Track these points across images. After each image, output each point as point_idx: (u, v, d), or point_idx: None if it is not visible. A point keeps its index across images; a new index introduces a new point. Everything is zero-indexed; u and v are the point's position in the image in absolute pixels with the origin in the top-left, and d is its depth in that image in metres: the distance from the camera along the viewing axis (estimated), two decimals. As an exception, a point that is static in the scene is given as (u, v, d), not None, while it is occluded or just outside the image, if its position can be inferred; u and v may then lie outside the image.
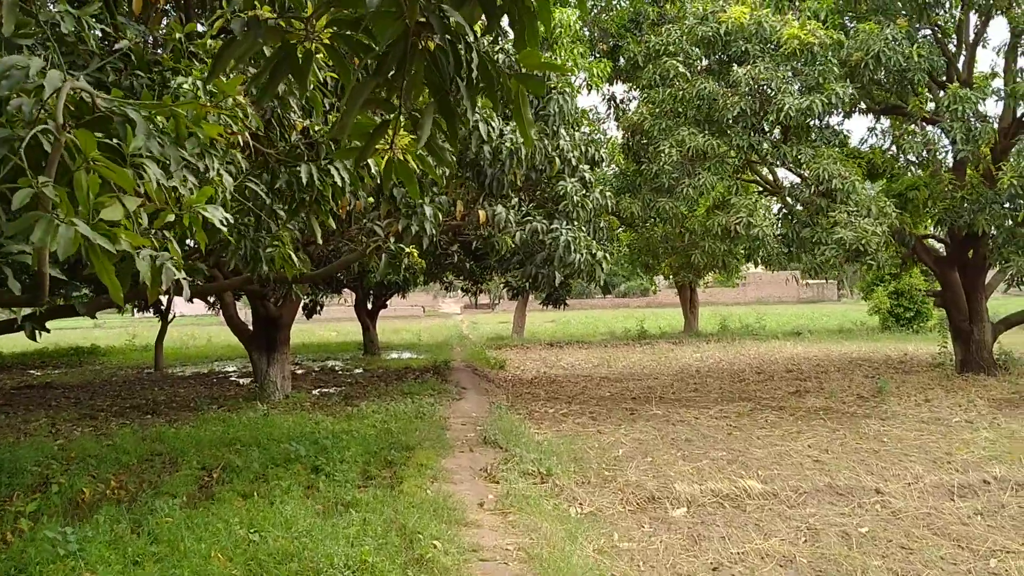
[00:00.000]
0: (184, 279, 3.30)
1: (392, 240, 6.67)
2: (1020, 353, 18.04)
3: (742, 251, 14.47)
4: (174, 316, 22.96)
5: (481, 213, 7.23)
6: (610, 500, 7.95)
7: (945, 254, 17.47)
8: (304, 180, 4.88)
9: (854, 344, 25.99)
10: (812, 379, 17.30)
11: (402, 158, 2.79)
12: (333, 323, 50.17)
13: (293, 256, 5.51)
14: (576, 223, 7.99)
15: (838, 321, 36.43)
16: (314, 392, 15.90)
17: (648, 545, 6.68)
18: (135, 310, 24.51)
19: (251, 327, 14.63)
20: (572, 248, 7.63)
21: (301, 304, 22.09)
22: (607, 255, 8.39)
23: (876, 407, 13.38)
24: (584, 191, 8.23)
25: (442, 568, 4.89)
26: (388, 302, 26.68)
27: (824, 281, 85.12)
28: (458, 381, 16.32)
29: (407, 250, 6.63)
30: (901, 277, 29.22)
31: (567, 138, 8.33)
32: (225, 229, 3.82)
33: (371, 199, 6.56)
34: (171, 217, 3.73)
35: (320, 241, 5.82)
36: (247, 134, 4.71)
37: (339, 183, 4.89)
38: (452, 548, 5.27)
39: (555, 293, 17.94)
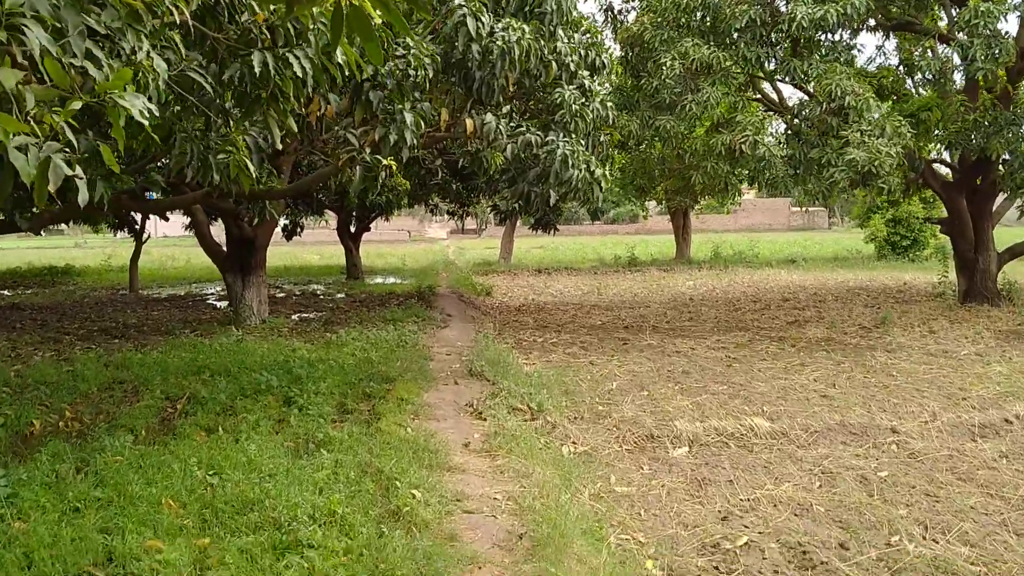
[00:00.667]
0: (78, 177, 2.53)
1: (368, 151, 5.87)
2: (1026, 284, 17.52)
3: (745, 173, 13.72)
4: (148, 236, 22.09)
5: (468, 122, 6.42)
6: (605, 438, 7.36)
7: (952, 180, 16.76)
8: (257, 71, 4.07)
9: (850, 272, 25.44)
10: (810, 308, 16.73)
11: (355, 2, 2.02)
12: (316, 246, 49.30)
13: (250, 164, 4.72)
14: (574, 136, 7.20)
15: (832, 249, 35.90)
16: (293, 317, 15.21)
17: (648, 490, 6.10)
18: (113, 230, 23.55)
19: (225, 248, 13.83)
20: (570, 163, 6.84)
21: (282, 226, 21.28)
22: (606, 173, 7.62)
23: (880, 338, 12.83)
24: (583, 100, 7.40)
25: (421, 522, 4.27)
26: (372, 225, 25.83)
27: (815, 209, 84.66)
28: (443, 308, 15.66)
29: (385, 162, 5.84)
30: (899, 205, 28.58)
31: (565, 40, 7.45)
32: (147, 123, 3.04)
33: (343, 101, 5.74)
34: (77, 104, 2.95)
35: (279, 146, 5.02)
36: (187, 13, 3.86)
37: (299, 74, 4.08)
38: (433, 498, 4.64)
39: (546, 217, 17.17)
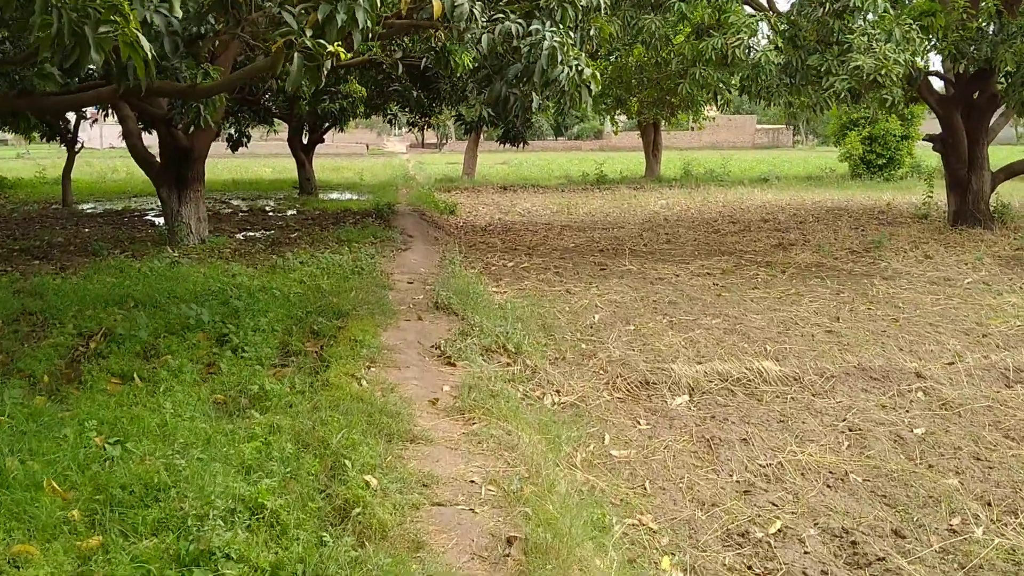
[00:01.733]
0: None
1: (309, 34, 4.62)
2: (1021, 203, 16.77)
3: (735, 82, 12.52)
4: (82, 146, 20.34)
5: (436, 3, 5.17)
6: (593, 384, 6.36)
7: (947, 94, 15.74)
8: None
9: (826, 192, 24.58)
10: (793, 230, 15.82)
11: None
12: (269, 159, 47.22)
13: (144, 43, 3.45)
14: (562, 26, 5.97)
15: (804, 168, 35.02)
16: (237, 236, 13.88)
17: (650, 452, 5.12)
18: (46, 139, 21.61)
19: (159, 159, 12.38)
20: (558, 58, 5.64)
21: (227, 136, 19.69)
22: (596, 73, 6.42)
23: (873, 264, 11.97)
24: (573, -19, 6.16)
25: (378, 526, 3.22)
26: (326, 137, 24.22)
27: (778, 126, 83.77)
28: (403, 228, 14.44)
29: (330, 49, 4.60)
30: (877, 122, 27.63)
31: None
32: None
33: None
34: None
35: (179, 13, 3.78)
36: None
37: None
38: (393, 486, 3.59)
39: (515, 129, 15.85)
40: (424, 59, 10.15)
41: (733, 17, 11.41)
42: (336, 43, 4.70)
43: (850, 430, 5.48)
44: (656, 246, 14.07)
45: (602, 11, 6.53)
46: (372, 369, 5.50)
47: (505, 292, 9.94)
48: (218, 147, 25.01)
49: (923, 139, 16.26)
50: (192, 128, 11.66)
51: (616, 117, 29.36)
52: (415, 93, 15.18)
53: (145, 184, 26.40)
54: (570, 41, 5.85)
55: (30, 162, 40.16)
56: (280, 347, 6.54)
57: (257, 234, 14.35)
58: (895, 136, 27.61)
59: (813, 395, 6.19)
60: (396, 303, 7.87)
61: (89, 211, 18.91)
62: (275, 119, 20.42)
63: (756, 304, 9.31)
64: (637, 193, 25.48)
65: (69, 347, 6.66)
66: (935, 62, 28.01)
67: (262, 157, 53.09)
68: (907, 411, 5.88)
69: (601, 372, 6.68)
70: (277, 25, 4.83)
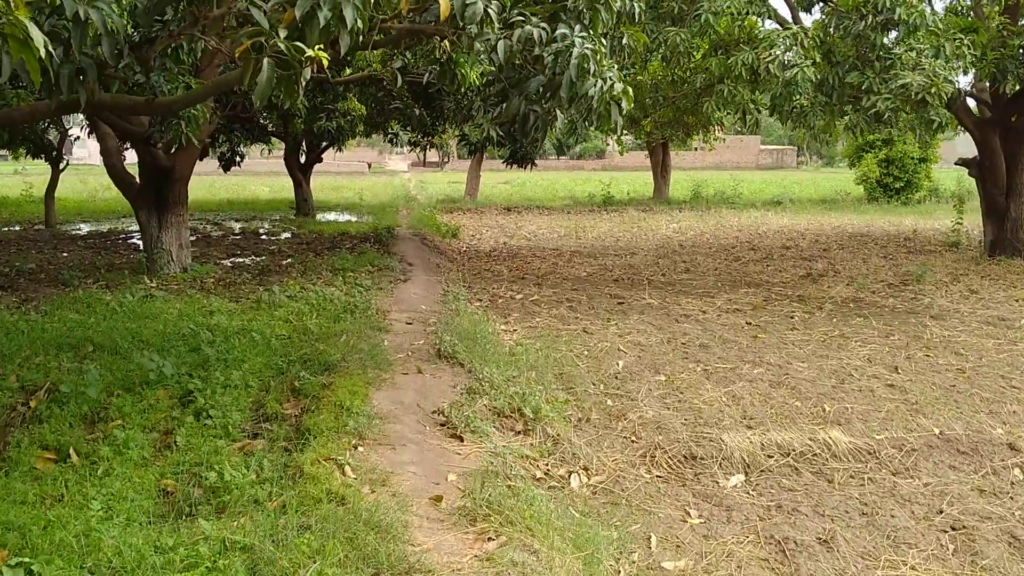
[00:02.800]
0: None
1: (283, 35, 3.63)
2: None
3: (764, 101, 11.55)
4: (67, 163, 19.36)
5: (443, 1, 4.21)
6: (627, 457, 5.32)
7: (985, 116, 14.77)
8: None
9: (844, 216, 23.62)
10: (819, 259, 14.80)
11: None
12: (269, 177, 46.34)
13: (33, 32, 2.45)
14: (591, 31, 4.99)
15: (818, 190, 34.02)
16: (224, 263, 12.87)
17: (710, 564, 4.06)
18: (33, 155, 20.59)
19: (138, 180, 11.38)
20: (590, 69, 4.67)
21: (218, 155, 18.73)
22: (628, 88, 5.43)
23: (915, 299, 10.94)
24: (606, -22, 5.19)
25: None
26: (324, 156, 23.24)
27: (783, 147, 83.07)
28: (403, 254, 13.42)
29: (309, 54, 3.62)
30: (893, 144, 26.72)
31: None
32: None
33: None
34: None
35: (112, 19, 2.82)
36: None
37: None
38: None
39: (522, 150, 14.88)
40: (427, 73, 9.20)
41: (762, 31, 10.44)
42: (318, 46, 3.70)
43: (952, 528, 4.42)
44: (675, 276, 13.04)
45: (636, 18, 5.55)
46: (360, 448, 4.45)
47: (515, 331, 8.91)
48: (214, 165, 24.04)
49: (957, 163, 15.24)
50: (174, 147, 10.75)
51: (622, 137, 28.38)
52: (417, 111, 14.22)
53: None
54: (603, 49, 4.87)
55: (24, 179, 39.27)
56: (253, 408, 5.51)
57: (247, 260, 13.35)
58: (913, 159, 26.68)
59: (894, 474, 5.14)
60: (393, 350, 6.82)
61: (73, 232, 17.90)
62: (272, 137, 19.47)
63: (799, 348, 8.27)
64: (647, 216, 24.50)
65: (5, 406, 5.62)
66: (962, 81, 27.12)
67: (262, 175, 52.26)
68: (1011, 497, 4.84)
69: (634, 439, 5.64)
70: (243, 22, 3.83)
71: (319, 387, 5.59)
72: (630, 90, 5.72)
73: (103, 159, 11.79)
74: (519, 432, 5.23)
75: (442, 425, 5.02)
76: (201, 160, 14.92)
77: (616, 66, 5.26)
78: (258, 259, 13.38)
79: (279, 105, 13.63)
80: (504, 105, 5.39)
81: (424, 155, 75.56)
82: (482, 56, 7.51)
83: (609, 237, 18.82)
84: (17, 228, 18.75)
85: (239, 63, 3.89)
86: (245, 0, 3.80)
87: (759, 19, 10.80)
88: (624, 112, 5.71)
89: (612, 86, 5.25)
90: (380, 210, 24.16)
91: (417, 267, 12.39)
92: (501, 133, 11.33)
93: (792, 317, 9.84)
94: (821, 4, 13.40)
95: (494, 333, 8.21)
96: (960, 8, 14.62)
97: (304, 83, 3.81)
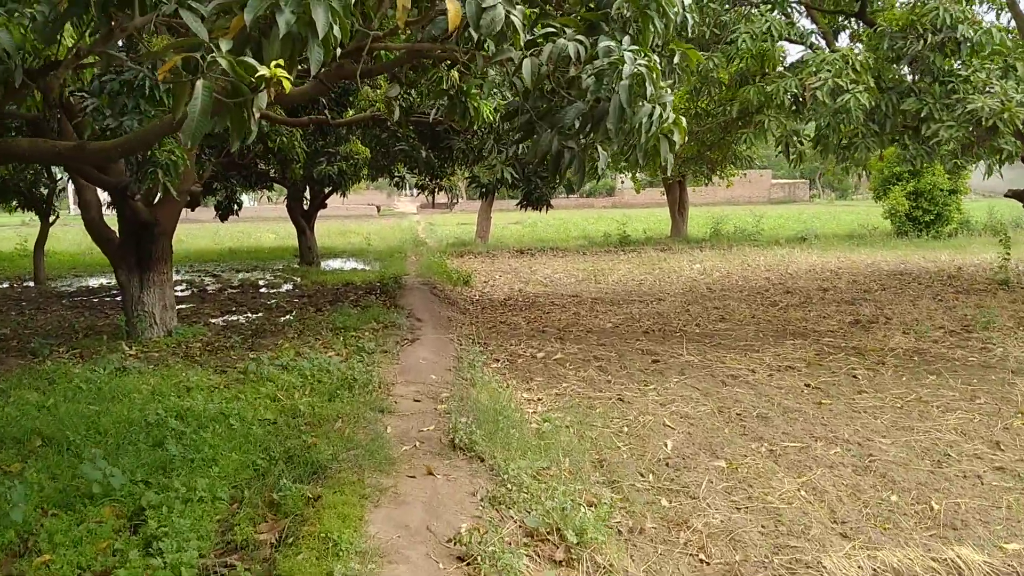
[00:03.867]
0: None
1: (227, 47, 2.57)
2: None
3: (808, 131, 10.47)
4: (57, 217, 18.42)
5: (451, 6, 3.16)
6: (701, 591, 4.11)
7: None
8: None
9: (875, 252, 22.43)
10: (863, 302, 13.60)
11: None
12: (277, 223, 45.49)
13: None
14: (640, 45, 3.92)
15: (840, 224, 32.83)
16: (216, 322, 11.78)
17: None
18: (22, 208, 19.64)
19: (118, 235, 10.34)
20: (646, 92, 3.59)
21: (215, 203, 17.75)
22: (681, 119, 4.35)
23: (986, 350, 9.72)
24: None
25: None
26: (329, 202, 22.29)
27: (795, 181, 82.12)
28: (412, 308, 12.30)
29: (263, 72, 2.54)
30: (921, 175, 25.60)
31: None
32: None
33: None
34: None
35: None
36: None
37: None
38: None
39: (537, 192, 13.82)
40: (434, 110, 8.17)
41: (808, 56, 9.38)
42: (276, 62, 2.60)
43: None
44: (709, 325, 11.86)
45: (690, 31, 4.46)
46: (350, 613, 3.28)
47: (540, 400, 7.74)
48: (208, 212, 22.77)
49: (1008, 195, 14.11)
50: (156, 198, 9.73)
51: (636, 175, 27.35)
52: (424, 152, 13.21)
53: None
54: (657, 68, 3.77)
55: (18, 232, 38.56)
56: (220, 531, 4.34)
57: (241, 318, 12.25)
58: (942, 191, 25.52)
59: (1054, 611, 3.91)
60: (397, 439, 5.65)
61: (61, 289, 16.89)
62: (273, 184, 18.49)
63: (873, 418, 7.06)
64: (666, 256, 23.38)
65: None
66: None
67: (270, 221, 51.60)
68: None
69: (704, 559, 4.44)
70: (176, 33, 2.75)
71: (304, 501, 4.42)
72: (683, 120, 4.61)
73: (81, 212, 10.75)
74: (559, 562, 4.03)
75: (460, 560, 3.83)
76: (193, 210, 13.95)
77: (669, 90, 4.15)
78: (254, 316, 12.28)
79: (274, 149, 12.65)
80: (528, 142, 4.28)
81: (433, 197, 75.03)
82: (497, 85, 6.47)
83: (630, 280, 17.67)
84: (4, 285, 17.76)
85: (173, 90, 2.79)
86: (174, 1, 2.72)
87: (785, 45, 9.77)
88: (676, 148, 4.60)
89: (667, 115, 4.14)
90: (388, 256, 23.15)
91: (426, 323, 11.25)
92: (516, 174, 10.27)
93: (855, 376, 8.62)
94: (857, 27, 12.39)
95: (517, 407, 7.03)
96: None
97: (257, 115, 2.71)
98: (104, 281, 18.32)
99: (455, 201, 73.38)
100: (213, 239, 32.77)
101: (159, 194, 8.73)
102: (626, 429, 6.80)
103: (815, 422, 7.01)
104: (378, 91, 13.71)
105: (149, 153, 8.23)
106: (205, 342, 9.93)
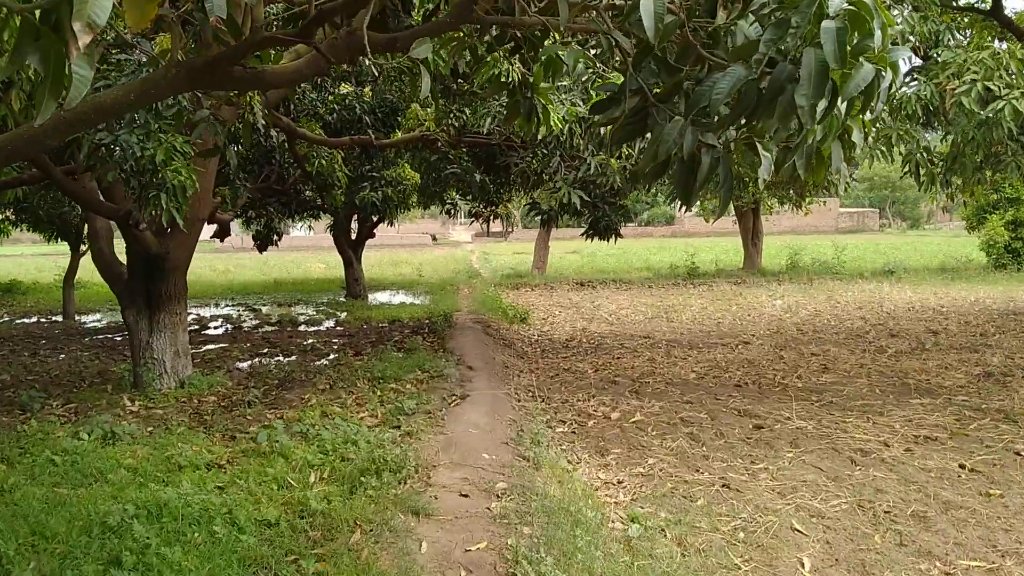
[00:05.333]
0: None
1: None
2: None
3: (943, 146, 8.68)
4: (87, 250, 17.34)
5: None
6: None
7: None
8: None
9: (976, 288, 20.26)
10: (986, 349, 11.64)
11: None
12: (330, 252, 44.56)
13: None
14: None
15: (925, 256, 30.43)
16: (240, 368, 10.39)
17: None
18: (56, 239, 18.70)
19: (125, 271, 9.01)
20: (870, 41, 2.11)
21: (254, 233, 16.51)
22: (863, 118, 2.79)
23: None
24: None
25: None
26: (378, 229, 20.99)
27: (864, 210, 79.08)
28: (462, 352, 10.75)
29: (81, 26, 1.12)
30: (1021, 204, 23.34)
31: None
32: None
33: None
34: None
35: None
36: None
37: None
38: None
39: (604, 220, 12.22)
40: (490, 119, 6.66)
41: (948, 53, 7.64)
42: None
43: None
44: (812, 377, 10.05)
45: None
46: None
47: (621, 483, 6.08)
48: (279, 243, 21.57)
49: None
50: (167, 229, 8.38)
51: (706, 205, 25.58)
52: (478, 177, 11.71)
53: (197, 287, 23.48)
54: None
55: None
56: None
57: (272, 361, 10.83)
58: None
59: None
60: (435, 567, 4.04)
61: (90, 325, 15.78)
62: (318, 211, 17.19)
63: (1076, 524, 5.23)
64: (741, 290, 21.50)
65: None
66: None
67: (324, 250, 50.82)
68: None
69: None
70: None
71: None
72: (865, 118, 2.99)
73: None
74: None
75: None
76: (222, 240, 12.66)
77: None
78: (285, 361, 10.85)
79: (311, 174, 11.29)
80: (649, 135, 2.68)
81: (488, 225, 73.71)
82: (569, 87, 4.99)
83: (706, 319, 15.88)
84: (32, 320, 16.74)
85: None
86: None
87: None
88: (855, 151, 2.99)
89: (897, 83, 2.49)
90: (439, 289, 21.71)
91: (479, 371, 9.67)
92: (586, 197, 8.69)
93: (1019, 453, 6.77)
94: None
95: (593, 498, 5.38)
96: None
97: (75, 55, 1.20)
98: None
99: (510, 230, 72.04)
100: (261, 270, 31.81)
101: (167, 223, 7.37)
102: (742, 535, 5.09)
103: (992, 525, 5.23)
104: (428, 109, 12.32)
105: (152, 176, 6.87)
106: (220, 396, 8.49)
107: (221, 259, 40.29)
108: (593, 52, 4.47)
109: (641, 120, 2.60)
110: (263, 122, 5.64)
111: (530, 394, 9.24)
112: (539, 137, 6.13)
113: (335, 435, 6.25)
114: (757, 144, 2.55)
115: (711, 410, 8.42)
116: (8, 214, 16.88)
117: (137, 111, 5.93)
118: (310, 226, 20.25)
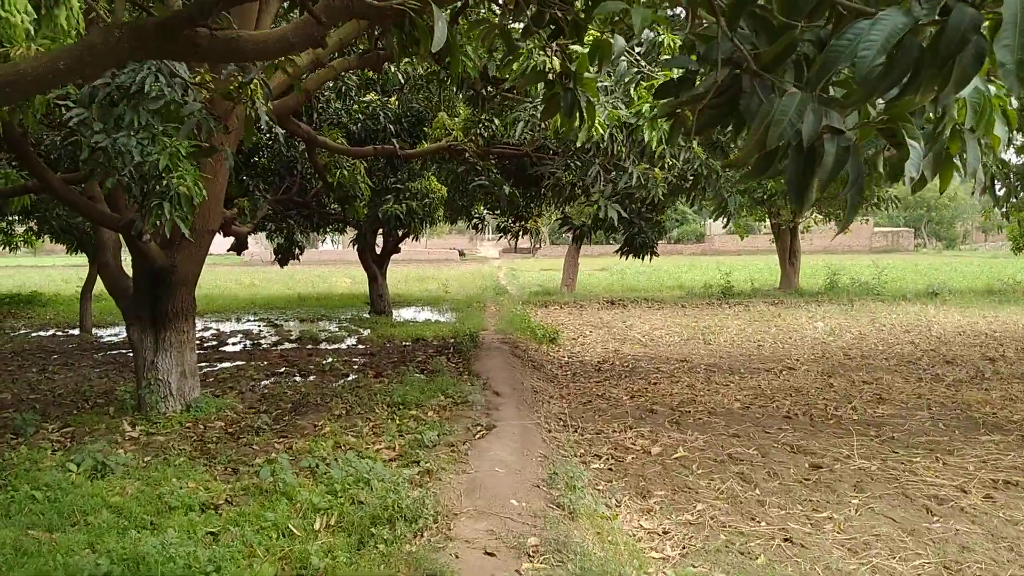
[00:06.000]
0: None
1: None
2: None
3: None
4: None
5: None
6: None
7: None
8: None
9: (1029, 312, 19.28)
10: (1056, 379, 10.77)
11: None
12: (356, 267, 44.18)
13: None
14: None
15: (969, 278, 29.30)
16: (255, 389, 9.78)
17: None
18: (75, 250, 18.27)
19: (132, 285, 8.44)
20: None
21: (274, 247, 15.99)
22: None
23: None
24: None
25: None
26: (406, 244, 20.43)
27: (899, 229, 77.50)
28: (488, 376, 10.08)
29: None
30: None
31: None
32: None
33: None
34: None
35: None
36: None
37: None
38: None
39: (641, 236, 11.54)
40: (526, 127, 6.04)
41: None
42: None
43: None
44: (866, 407, 9.26)
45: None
46: None
47: (666, 534, 5.36)
48: (308, 257, 20.99)
49: None
50: (176, 241, 7.82)
51: (741, 221, 24.73)
52: (507, 189, 11.07)
53: (226, 301, 23.01)
54: None
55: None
56: None
57: (288, 382, 10.23)
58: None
59: None
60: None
61: (106, 339, 15.30)
62: (341, 225, 16.62)
63: None
64: (780, 311, 20.64)
65: None
66: None
67: (352, 264, 50.49)
68: None
69: None
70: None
71: None
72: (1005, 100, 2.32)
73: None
74: None
75: None
76: (239, 253, 12.11)
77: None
78: (301, 381, 10.24)
79: (332, 185, 10.72)
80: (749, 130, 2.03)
81: (516, 240, 73.13)
82: (610, 89, 4.40)
83: (745, 341, 15.08)
84: (48, 333, 16.32)
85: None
86: None
87: None
88: (1004, 144, 2.31)
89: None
90: (465, 306, 21.08)
91: (506, 397, 8.98)
92: (623, 212, 8.00)
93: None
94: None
95: (640, 565, 4.66)
96: None
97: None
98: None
99: (538, 246, 71.40)
100: (287, 284, 31.40)
101: (171, 234, 6.80)
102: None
103: (1110, 598, 4.44)
104: (456, 119, 11.73)
105: (155, 183, 6.31)
106: (228, 421, 7.88)
107: (247, 273, 40.03)
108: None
109: (732, 98, 1.94)
110: (266, 117, 5.03)
111: (561, 423, 8.54)
112: (579, 142, 5.48)
113: (346, 472, 5.58)
114: (902, 129, 1.88)
115: (761, 445, 7.67)
116: (32, 224, 16.53)
117: (69, 83, 5.32)
118: (332, 240, 19.66)
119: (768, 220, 24.47)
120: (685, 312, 20.81)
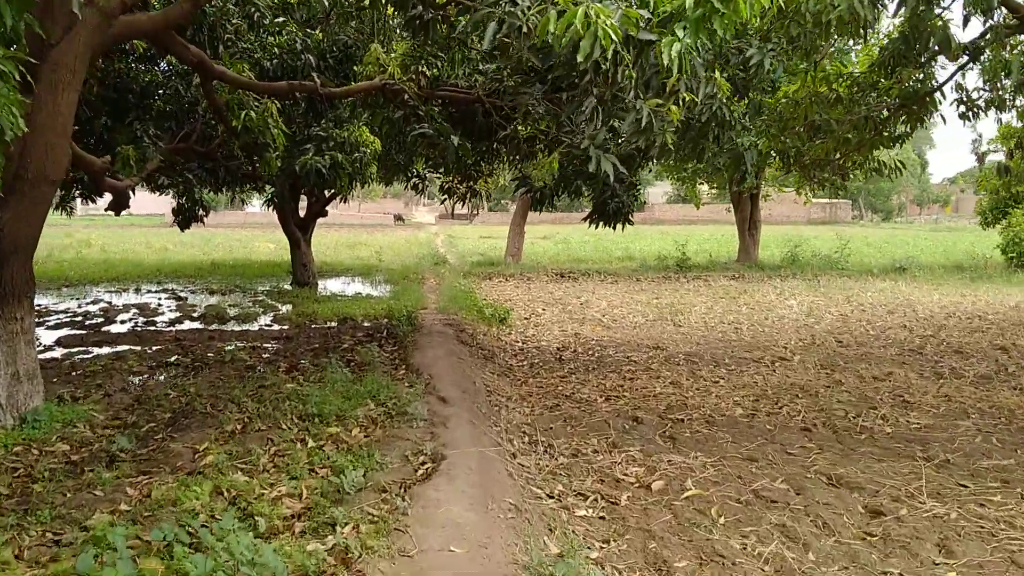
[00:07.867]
0: None
1: None
2: None
3: None
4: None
5: None
6: None
7: None
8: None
9: (1005, 290, 18.09)
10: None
11: None
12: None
13: None
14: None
15: (936, 252, 28.24)
16: (131, 386, 7.61)
17: None
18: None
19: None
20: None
21: (172, 207, 13.60)
22: None
23: None
24: None
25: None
26: (342, 208, 18.16)
27: (837, 201, 77.50)
28: (432, 373, 8.07)
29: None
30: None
31: None
32: None
33: None
34: None
35: None
36: None
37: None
38: None
39: (615, 202, 9.64)
40: (504, 34, 4.02)
41: None
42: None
43: None
44: (896, 417, 7.55)
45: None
46: None
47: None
48: (236, 218, 17.90)
49: None
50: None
51: (697, 187, 23.06)
52: (455, 140, 8.97)
53: (105, 268, 20.52)
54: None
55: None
56: None
57: (172, 382, 8.06)
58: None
59: None
60: None
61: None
62: (249, 182, 14.29)
63: None
64: (744, 286, 19.09)
65: None
66: None
67: (273, 227, 47.63)
68: None
69: None
70: None
71: None
72: None
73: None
74: None
75: None
76: (118, 214, 9.80)
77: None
78: (190, 383, 8.05)
79: (236, 130, 8.53)
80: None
81: (452, 206, 70.34)
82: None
83: (719, 323, 13.37)
84: None
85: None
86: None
87: None
88: None
89: None
90: (401, 277, 18.95)
91: (455, 404, 6.99)
92: (620, 167, 6.02)
93: None
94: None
95: None
96: None
97: None
98: (73, 304, 14.24)
99: (475, 212, 69.06)
100: (203, 248, 28.73)
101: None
102: None
103: None
104: (393, 55, 9.60)
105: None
106: (76, 443, 5.74)
107: (160, 235, 36.86)
108: None
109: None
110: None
111: (526, 439, 6.64)
112: (582, 55, 3.53)
113: (216, 558, 3.54)
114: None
115: (789, 475, 5.86)
116: None
117: None
118: (243, 200, 17.33)
119: (728, 188, 22.85)
120: (642, 287, 19.07)
